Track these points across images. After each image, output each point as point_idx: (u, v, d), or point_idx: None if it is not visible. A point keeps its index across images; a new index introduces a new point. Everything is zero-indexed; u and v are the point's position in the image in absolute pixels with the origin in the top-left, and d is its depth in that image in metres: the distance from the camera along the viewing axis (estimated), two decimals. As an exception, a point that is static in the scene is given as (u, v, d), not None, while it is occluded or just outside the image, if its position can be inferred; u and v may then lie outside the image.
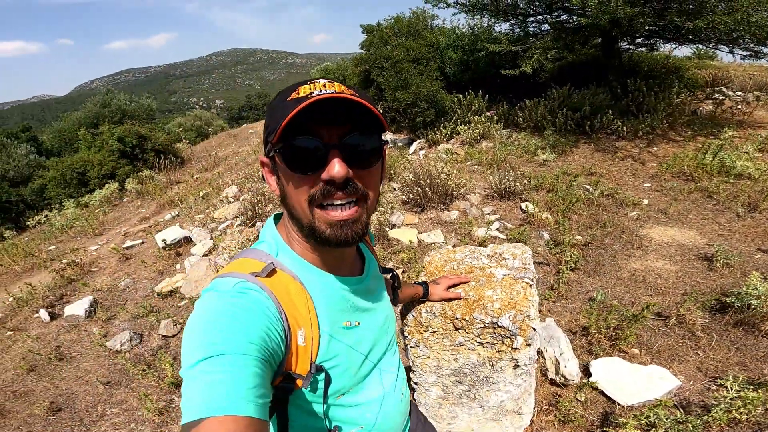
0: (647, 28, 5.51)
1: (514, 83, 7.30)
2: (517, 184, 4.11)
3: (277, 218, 0.77)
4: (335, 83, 0.62)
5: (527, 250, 1.43)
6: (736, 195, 3.66)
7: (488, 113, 6.21)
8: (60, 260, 4.82)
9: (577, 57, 7.71)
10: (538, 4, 6.24)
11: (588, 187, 4.17)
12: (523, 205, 3.96)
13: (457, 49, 8.12)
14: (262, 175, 0.73)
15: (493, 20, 7.36)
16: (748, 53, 5.82)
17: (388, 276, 0.98)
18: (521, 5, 6.41)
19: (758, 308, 2.23)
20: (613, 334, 2.33)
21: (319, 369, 0.68)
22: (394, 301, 1.00)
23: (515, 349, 1.28)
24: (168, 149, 11.17)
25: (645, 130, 5.35)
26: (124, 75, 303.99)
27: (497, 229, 3.64)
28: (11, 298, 3.99)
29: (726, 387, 1.88)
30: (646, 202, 3.80)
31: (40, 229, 8.10)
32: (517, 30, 7.02)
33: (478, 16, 7.24)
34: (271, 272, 0.66)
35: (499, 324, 1.22)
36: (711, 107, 6.32)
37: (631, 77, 6.12)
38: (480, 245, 2.26)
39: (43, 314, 3.53)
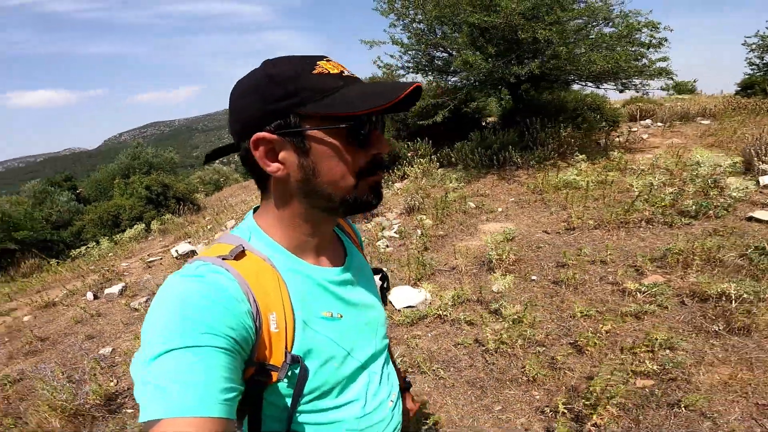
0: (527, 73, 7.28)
1: (463, 127, 9.19)
2: (416, 203, 5.91)
3: (256, 211, 0.76)
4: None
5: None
6: (559, 200, 5.35)
7: (409, 154, 8.08)
8: (101, 270, 6.79)
9: (508, 103, 9.65)
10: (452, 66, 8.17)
11: (471, 203, 5.92)
12: (418, 217, 5.73)
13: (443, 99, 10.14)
14: (243, 158, 0.69)
15: (438, 77, 9.37)
16: (614, 87, 7.60)
17: (378, 276, 0.97)
18: (448, 65, 8.36)
19: (492, 257, 3.89)
20: (419, 278, 4.02)
21: (295, 360, 0.64)
22: (383, 302, 0.96)
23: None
24: (187, 197, 13.43)
25: (536, 160, 7.10)
26: (151, 128, 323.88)
27: (394, 231, 5.41)
28: (65, 291, 5.92)
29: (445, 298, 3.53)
30: (500, 209, 5.52)
31: (81, 259, 10.21)
32: (464, 82, 8.97)
33: (429, 75, 9.27)
34: (240, 254, 0.66)
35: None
36: (606, 137, 8.08)
37: (533, 117, 7.90)
38: (378, 241, 4.19)
39: (89, 295, 5.45)
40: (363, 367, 0.78)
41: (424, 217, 5.63)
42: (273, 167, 0.65)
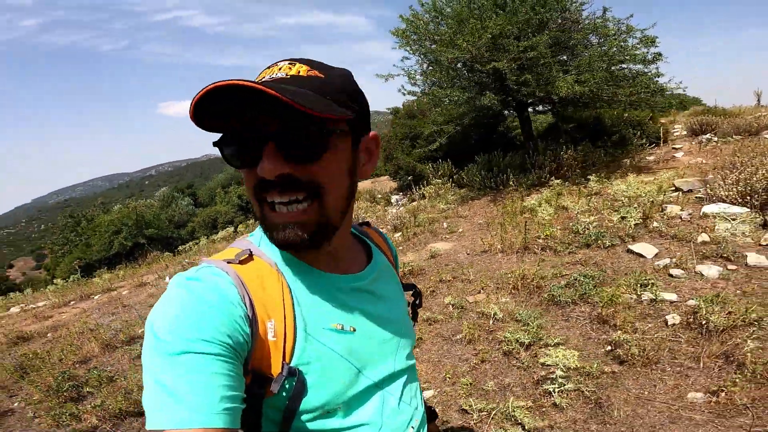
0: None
1: (494, 147, 10.26)
2: (399, 221, 7.41)
3: None
4: (298, 64, 0.62)
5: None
6: (511, 223, 6.38)
7: (408, 179, 9.45)
8: (183, 261, 9.55)
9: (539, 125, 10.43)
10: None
11: (445, 224, 7.20)
12: (397, 234, 7.22)
13: (449, 125, 11.45)
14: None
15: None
16: (619, 107, 8.08)
17: (409, 293, 0.96)
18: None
19: (414, 268, 5.28)
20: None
21: (292, 372, 0.63)
22: (413, 319, 0.95)
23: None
24: (267, 205, 16.43)
25: (530, 182, 7.96)
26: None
27: (371, 245, 7.01)
28: (156, 276, 8.68)
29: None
30: (460, 230, 6.73)
31: (184, 254, 13.58)
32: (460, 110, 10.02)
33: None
34: (246, 259, 0.67)
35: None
36: (634, 157, 8.52)
37: (537, 139, 8.70)
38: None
39: (167, 278, 8.03)
40: (377, 386, 0.75)
41: (399, 234, 7.12)
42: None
